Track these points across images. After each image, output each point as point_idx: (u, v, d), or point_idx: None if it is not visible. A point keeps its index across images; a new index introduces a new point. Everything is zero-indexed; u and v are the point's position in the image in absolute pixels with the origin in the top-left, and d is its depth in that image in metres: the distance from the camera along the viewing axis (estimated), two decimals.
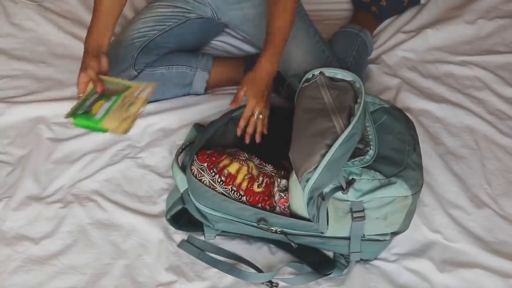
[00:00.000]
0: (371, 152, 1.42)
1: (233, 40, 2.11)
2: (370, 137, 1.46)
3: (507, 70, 2.00)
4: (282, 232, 1.49)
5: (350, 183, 1.38)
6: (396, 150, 1.46)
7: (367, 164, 1.41)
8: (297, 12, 1.80)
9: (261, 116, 1.61)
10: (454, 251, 1.57)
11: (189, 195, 1.54)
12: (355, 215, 1.42)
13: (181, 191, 1.57)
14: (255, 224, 1.48)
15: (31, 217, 1.65)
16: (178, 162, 1.61)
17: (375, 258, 1.55)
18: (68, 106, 1.88)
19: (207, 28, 1.97)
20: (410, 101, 1.90)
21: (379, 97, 1.60)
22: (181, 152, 1.65)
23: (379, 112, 1.54)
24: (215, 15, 1.90)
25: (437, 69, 2.01)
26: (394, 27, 2.14)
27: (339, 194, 1.39)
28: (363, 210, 1.42)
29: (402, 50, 2.06)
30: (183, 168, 1.58)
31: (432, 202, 1.66)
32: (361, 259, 1.54)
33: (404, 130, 1.52)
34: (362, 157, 1.41)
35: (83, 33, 2.10)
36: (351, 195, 1.40)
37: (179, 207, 1.57)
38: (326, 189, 1.39)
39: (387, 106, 1.56)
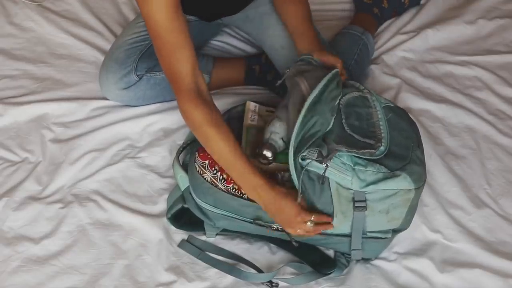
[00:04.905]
0: (381, 148, 1.42)
1: (233, 40, 2.10)
2: (382, 134, 1.45)
3: (507, 70, 2.00)
4: (283, 230, 1.49)
5: (330, 152, 1.39)
6: (400, 146, 1.46)
7: (375, 158, 1.41)
8: None
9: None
10: (454, 251, 1.57)
11: (190, 193, 1.54)
12: (357, 204, 1.42)
13: (182, 189, 1.57)
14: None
15: (31, 217, 1.65)
16: (179, 161, 1.61)
17: (376, 258, 1.55)
18: (68, 106, 1.90)
19: (206, 29, 1.97)
20: (410, 101, 1.90)
21: (385, 98, 1.61)
22: (181, 151, 1.65)
23: (384, 110, 1.54)
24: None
25: (437, 69, 2.01)
26: (394, 27, 2.14)
27: (344, 182, 1.39)
28: (365, 200, 1.42)
29: (402, 50, 2.06)
30: (184, 167, 1.58)
31: (432, 202, 1.66)
32: (362, 258, 1.54)
33: (408, 128, 1.53)
34: (373, 151, 1.41)
35: (83, 33, 2.12)
36: (355, 184, 1.40)
37: (180, 205, 1.57)
38: (312, 166, 1.40)
39: (392, 105, 1.57)
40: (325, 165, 1.38)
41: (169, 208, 1.60)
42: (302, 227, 1.43)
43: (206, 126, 1.42)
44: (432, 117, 1.87)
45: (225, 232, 1.59)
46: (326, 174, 1.39)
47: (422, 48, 2.07)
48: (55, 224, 1.63)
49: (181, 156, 1.65)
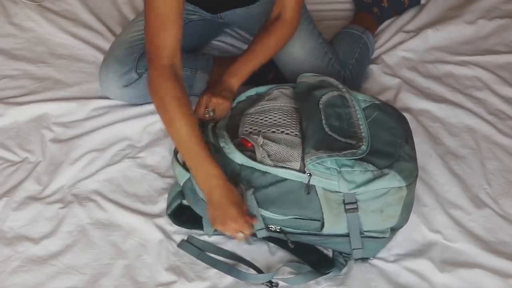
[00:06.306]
0: (363, 147, 1.43)
1: (233, 40, 2.11)
2: (363, 134, 1.46)
3: (507, 70, 2.00)
4: (281, 231, 1.49)
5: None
6: (387, 144, 1.47)
7: (359, 157, 1.41)
8: (302, 13, 1.80)
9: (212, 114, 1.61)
10: (454, 251, 1.57)
11: (192, 184, 1.52)
12: (347, 206, 1.43)
13: (181, 184, 1.56)
14: None
15: (31, 217, 1.65)
16: (177, 157, 1.60)
17: (375, 257, 1.55)
18: (68, 106, 1.90)
19: (208, 29, 1.97)
20: (410, 101, 1.90)
21: (371, 95, 1.61)
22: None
23: (370, 109, 1.55)
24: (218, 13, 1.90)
25: (437, 69, 2.01)
26: (394, 27, 2.14)
27: (331, 186, 1.40)
28: (355, 202, 1.43)
29: (402, 50, 2.06)
30: (183, 163, 1.57)
31: (432, 202, 1.66)
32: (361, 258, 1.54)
33: (396, 124, 1.53)
34: (355, 151, 1.41)
35: (83, 33, 2.12)
36: (342, 187, 1.40)
37: (178, 201, 1.57)
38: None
39: (378, 102, 1.57)
40: (308, 174, 1.39)
41: (169, 205, 1.60)
42: (233, 232, 1.45)
43: (169, 98, 1.44)
44: (432, 117, 1.87)
45: None
46: (311, 182, 1.40)
47: (422, 48, 2.07)
48: (55, 224, 1.63)
49: (179, 156, 1.64)
